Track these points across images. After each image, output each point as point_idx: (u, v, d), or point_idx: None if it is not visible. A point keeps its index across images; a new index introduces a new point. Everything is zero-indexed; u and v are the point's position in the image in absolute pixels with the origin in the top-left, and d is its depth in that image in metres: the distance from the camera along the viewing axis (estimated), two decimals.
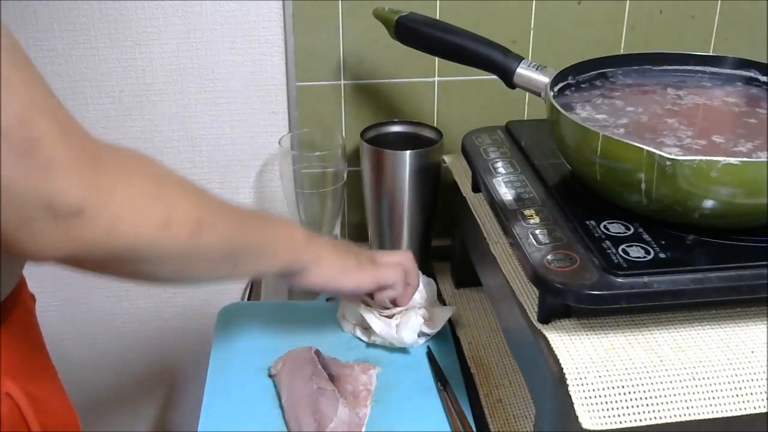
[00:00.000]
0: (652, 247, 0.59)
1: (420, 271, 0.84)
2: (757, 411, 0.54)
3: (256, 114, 1.01)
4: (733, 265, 0.57)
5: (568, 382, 0.53)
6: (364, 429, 0.72)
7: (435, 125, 0.97)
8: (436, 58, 0.95)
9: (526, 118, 1.02)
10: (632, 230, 0.62)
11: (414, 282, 0.80)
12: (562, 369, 0.54)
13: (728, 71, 0.79)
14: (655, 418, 0.53)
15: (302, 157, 0.94)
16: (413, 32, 0.81)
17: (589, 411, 0.52)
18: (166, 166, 0.56)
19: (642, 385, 0.53)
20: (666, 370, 0.54)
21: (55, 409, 0.65)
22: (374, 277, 0.75)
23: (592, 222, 0.63)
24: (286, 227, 0.70)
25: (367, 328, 0.83)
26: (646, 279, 0.56)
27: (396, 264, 0.77)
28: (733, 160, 0.56)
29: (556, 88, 0.73)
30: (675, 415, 0.53)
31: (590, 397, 0.53)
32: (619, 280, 0.56)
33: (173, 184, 0.56)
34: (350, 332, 0.85)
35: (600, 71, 0.78)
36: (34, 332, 0.68)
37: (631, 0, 0.98)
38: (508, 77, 0.76)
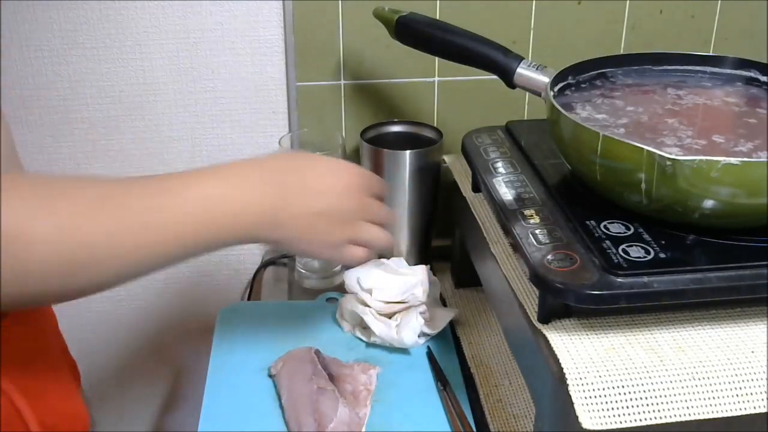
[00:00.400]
0: (652, 247, 0.59)
1: (425, 266, 0.85)
2: (757, 411, 0.54)
3: (256, 114, 1.01)
4: (733, 265, 0.57)
5: (568, 382, 0.53)
6: (364, 429, 0.72)
7: (435, 125, 0.97)
8: (436, 58, 0.95)
9: (526, 118, 1.01)
10: (632, 230, 0.62)
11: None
12: (562, 369, 0.54)
13: (728, 71, 0.79)
14: (655, 418, 0.53)
15: None
16: (413, 32, 0.81)
17: (589, 411, 0.52)
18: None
19: (642, 385, 0.53)
20: (666, 370, 0.54)
21: (60, 408, 0.64)
22: (339, 260, 0.68)
23: (592, 222, 0.63)
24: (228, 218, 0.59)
25: (366, 328, 0.83)
26: (646, 279, 0.56)
27: (371, 250, 0.69)
28: (733, 160, 0.56)
29: (556, 88, 0.73)
30: (675, 415, 0.53)
31: (590, 397, 0.53)
32: (619, 280, 0.56)
33: None
34: (350, 332, 0.85)
35: (600, 71, 0.78)
36: (41, 329, 0.67)
37: (631, 0, 0.98)
38: (508, 77, 0.76)
